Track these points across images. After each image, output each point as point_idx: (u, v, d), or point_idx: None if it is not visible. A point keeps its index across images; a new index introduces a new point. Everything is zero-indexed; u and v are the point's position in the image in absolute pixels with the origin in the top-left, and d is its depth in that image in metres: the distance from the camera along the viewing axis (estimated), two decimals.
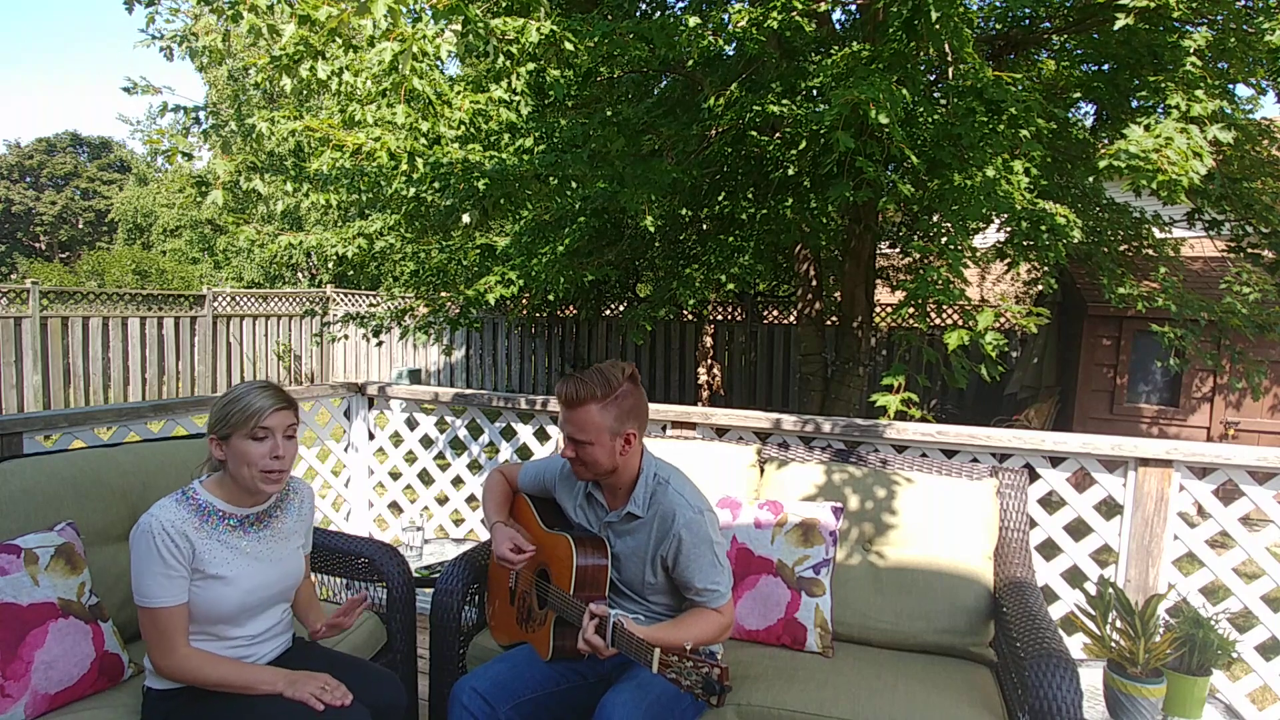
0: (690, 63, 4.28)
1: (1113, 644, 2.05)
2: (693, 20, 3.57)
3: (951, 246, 3.22)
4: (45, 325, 8.82)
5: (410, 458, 3.85)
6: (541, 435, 3.55)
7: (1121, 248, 5.02)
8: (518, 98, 3.64)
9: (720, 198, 5.13)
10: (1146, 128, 3.12)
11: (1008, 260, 5.04)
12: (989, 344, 2.93)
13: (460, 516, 3.87)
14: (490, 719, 1.80)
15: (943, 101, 4.03)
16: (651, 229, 3.90)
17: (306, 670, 1.73)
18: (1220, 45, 3.58)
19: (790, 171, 4.44)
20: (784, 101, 3.88)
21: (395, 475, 3.90)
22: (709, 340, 9.31)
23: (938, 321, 9.15)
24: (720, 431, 3.16)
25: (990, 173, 3.20)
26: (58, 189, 31.53)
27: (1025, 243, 3.97)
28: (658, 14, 4.86)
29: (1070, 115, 4.46)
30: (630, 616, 1.76)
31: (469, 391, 3.62)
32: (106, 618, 1.86)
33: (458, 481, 3.78)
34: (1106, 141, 4.04)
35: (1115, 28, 3.32)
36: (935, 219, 4.11)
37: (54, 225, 30.44)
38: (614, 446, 1.87)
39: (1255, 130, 4.42)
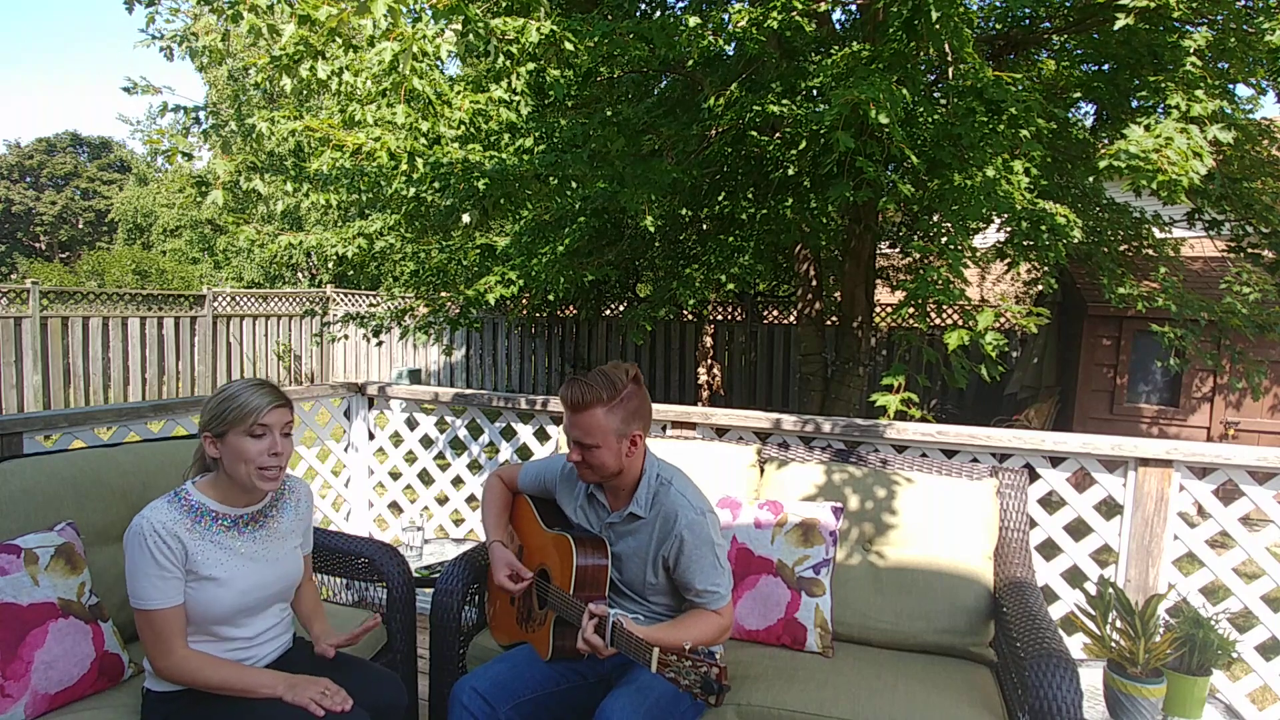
0: (690, 63, 4.28)
1: (1113, 644, 2.05)
2: (693, 20, 3.57)
3: (951, 246, 3.22)
4: (45, 325, 8.82)
5: (410, 458, 3.85)
6: (541, 435, 3.55)
7: (1121, 248, 5.02)
8: (518, 98, 3.64)
9: (720, 198, 5.13)
10: (1146, 128, 3.12)
11: (1008, 260, 5.04)
12: (989, 344, 2.93)
13: (460, 516, 3.87)
14: (490, 719, 1.80)
15: (943, 101, 4.03)
16: (651, 229, 3.90)
17: (307, 671, 1.73)
18: (1220, 45, 3.58)
19: (790, 171, 4.44)
20: (784, 101, 3.88)
21: (395, 475, 3.90)
22: (709, 340, 9.31)
23: (938, 321, 9.16)
24: (720, 431, 3.16)
25: (990, 173, 3.20)
26: (58, 189, 31.53)
27: (1025, 243, 3.97)
28: (658, 14, 4.86)
29: (1070, 115, 4.46)
30: (630, 617, 1.76)
31: (469, 391, 3.62)
32: (106, 618, 1.86)
33: (458, 481, 3.78)
34: (1106, 141, 4.04)
35: (1115, 28, 3.32)
36: (935, 219, 4.12)
37: (54, 225, 30.45)
38: (620, 449, 1.87)
39: (1255, 130, 4.42)
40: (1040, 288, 7.99)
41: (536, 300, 5.61)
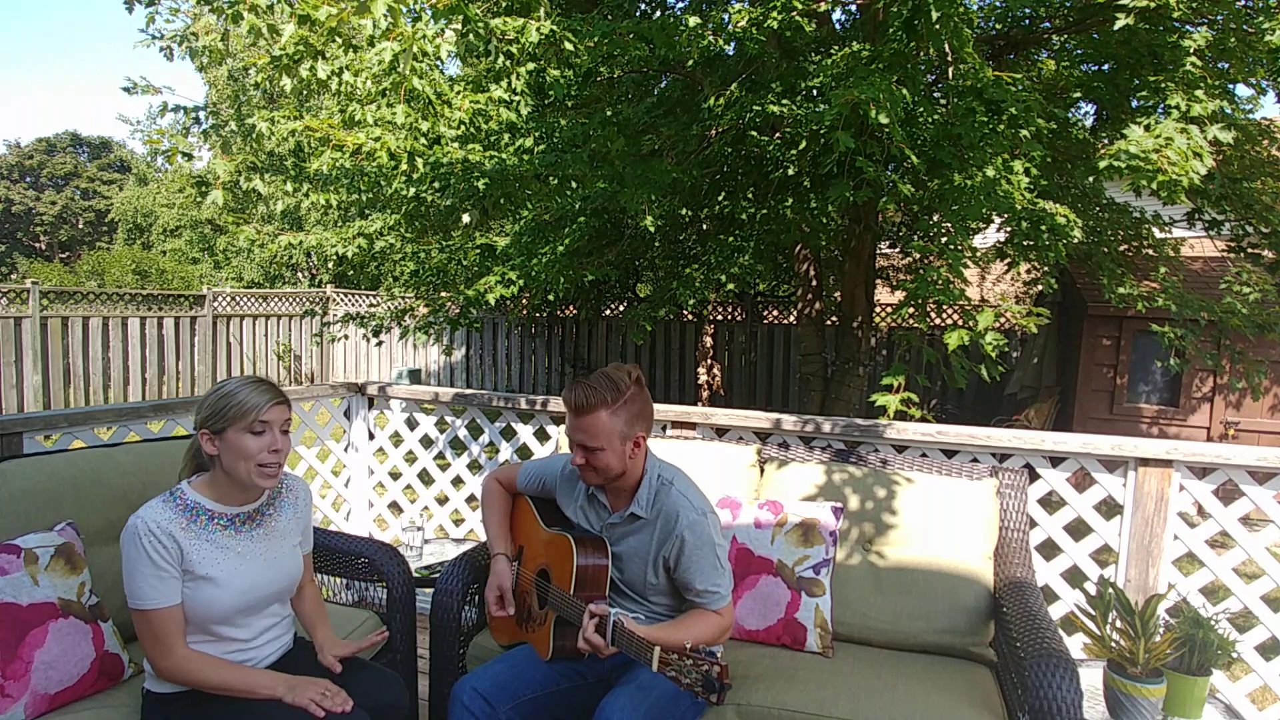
0: (690, 63, 4.28)
1: (1113, 644, 2.05)
2: (693, 20, 3.57)
3: (951, 246, 3.22)
4: (45, 325, 8.82)
5: (410, 458, 3.85)
6: (541, 435, 3.55)
7: (1121, 248, 5.02)
8: (518, 98, 3.64)
9: (720, 198, 5.13)
10: (1146, 128, 3.12)
11: (1008, 260, 5.04)
12: (989, 344, 2.93)
13: (460, 516, 3.87)
14: (491, 718, 1.80)
15: (943, 101, 4.03)
16: (651, 229, 3.90)
17: (308, 672, 1.73)
18: (1220, 45, 3.58)
19: (790, 171, 4.44)
20: (784, 101, 3.88)
21: (395, 475, 3.90)
22: (709, 340, 9.31)
23: (938, 321, 9.15)
24: (720, 431, 3.16)
25: (990, 173, 3.20)
26: (58, 189, 31.53)
27: (1025, 243, 3.97)
28: (658, 14, 4.86)
29: (1070, 115, 4.46)
30: (631, 616, 1.76)
31: (469, 391, 3.62)
32: (106, 618, 1.86)
33: (458, 481, 3.78)
34: (1106, 141, 4.04)
35: (1115, 28, 3.32)
36: (935, 219, 4.11)
37: (54, 225, 30.45)
38: (624, 450, 1.87)
39: (1255, 130, 4.42)
40: (1040, 288, 7.99)
41: (536, 300, 5.61)
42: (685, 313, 9.89)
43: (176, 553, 1.63)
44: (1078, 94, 4.21)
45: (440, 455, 3.79)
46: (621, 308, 10.54)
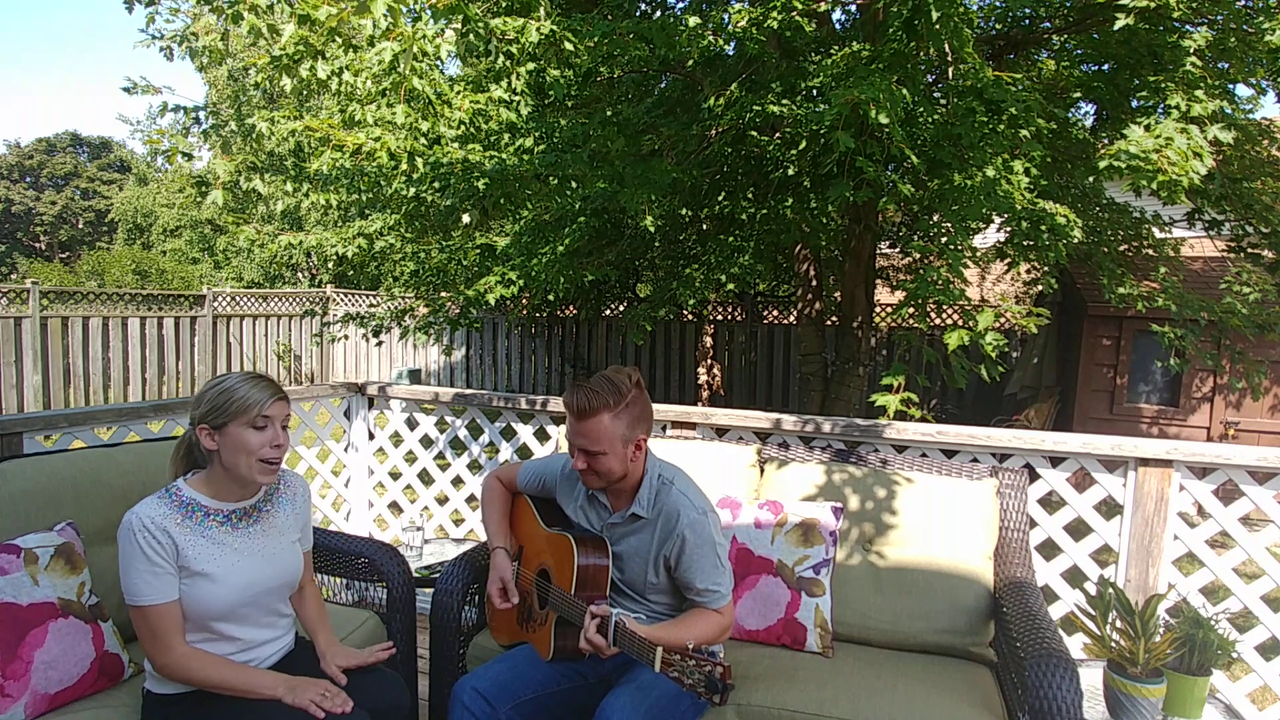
0: (690, 63, 4.28)
1: (1113, 644, 2.05)
2: (693, 20, 3.57)
3: (951, 246, 3.22)
4: (45, 325, 8.82)
5: (410, 458, 3.85)
6: (541, 435, 3.55)
7: (1121, 248, 5.02)
8: (518, 98, 3.64)
9: (720, 198, 5.13)
10: (1146, 128, 3.11)
11: (1008, 260, 5.04)
12: (989, 344, 2.93)
13: (460, 516, 3.87)
14: (491, 718, 1.80)
15: (943, 101, 4.03)
16: (651, 229, 3.90)
17: (309, 672, 1.73)
18: (1220, 45, 3.58)
19: (790, 171, 4.44)
20: (784, 101, 3.88)
21: (395, 475, 3.90)
22: (709, 340, 9.31)
23: (938, 321, 9.15)
24: (720, 431, 3.16)
25: (990, 173, 3.20)
26: (58, 189, 31.53)
27: (1025, 243, 3.97)
28: (658, 14, 4.86)
29: (1070, 115, 4.46)
30: (632, 616, 1.76)
31: (469, 391, 3.62)
32: (106, 617, 1.86)
33: (458, 481, 3.78)
34: (1106, 141, 4.04)
35: (1115, 28, 3.32)
36: (935, 219, 4.11)
37: (54, 225, 30.44)
38: (626, 453, 1.87)
39: (1255, 130, 4.42)
40: (1040, 288, 7.99)
41: (536, 300, 5.61)
42: (685, 313, 9.89)
43: (171, 548, 1.63)
44: (1078, 94, 4.21)
45: (440, 455, 3.79)
46: (621, 308, 10.54)
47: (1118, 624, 2.07)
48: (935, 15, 2.84)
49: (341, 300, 12.40)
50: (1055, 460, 2.78)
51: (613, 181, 4.04)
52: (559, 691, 1.90)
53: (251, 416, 1.68)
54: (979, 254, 5.82)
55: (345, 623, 2.19)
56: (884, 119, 2.85)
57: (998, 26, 4.72)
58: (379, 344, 7.10)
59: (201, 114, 4.75)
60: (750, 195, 5.10)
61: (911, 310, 3.20)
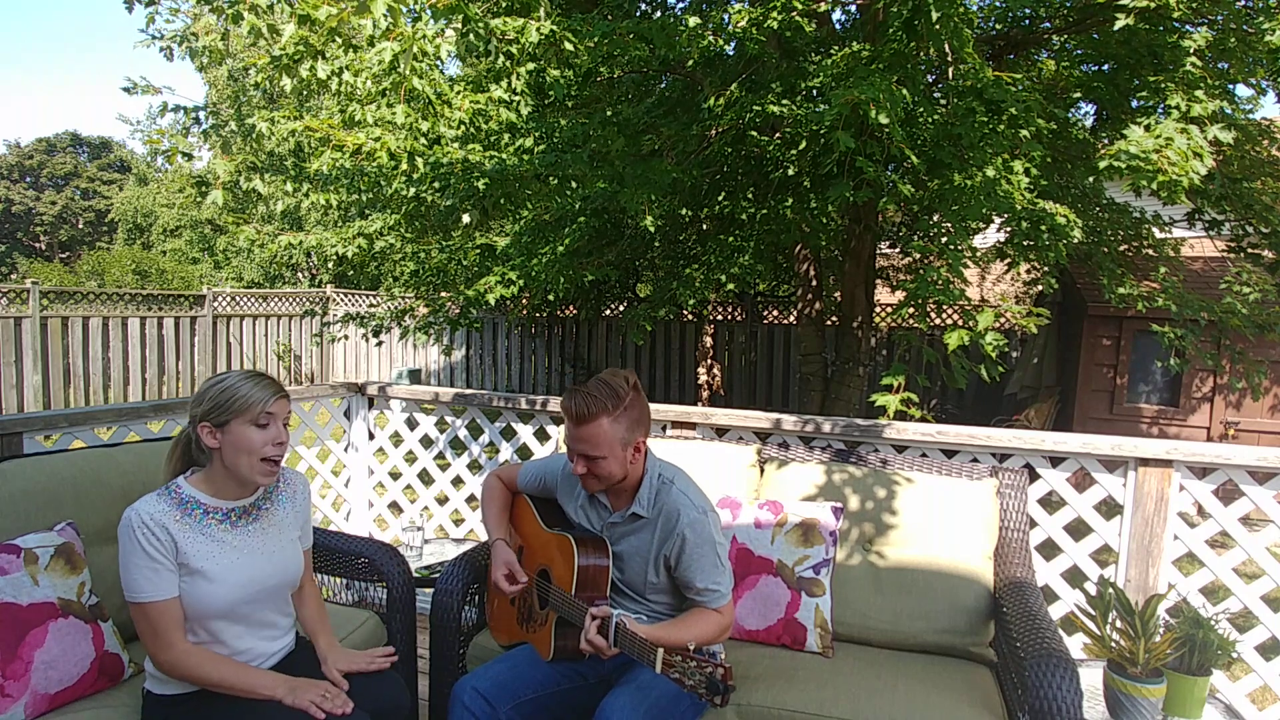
0: (690, 63, 4.28)
1: (1113, 644, 2.05)
2: (693, 20, 3.57)
3: (951, 246, 3.22)
4: (45, 325, 8.82)
5: (410, 458, 3.85)
6: (541, 435, 3.55)
7: (1121, 248, 5.02)
8: (518, 98, 3.64)
9: (720, 198, 5.13)
10: (1146, 128, 3.11)
11: (1008, 260, 5.04)
12: (989, 344, 2.93)
13: (460, 516, 3.87)
14: (491, 718, 1.80)
15: (943, 101, 4.03)
16: (651, 229, 3.90)
17: (309, 673, 1.73)
18: (1220, 45, 3.58)
19: (790, 171, 4.44)
20: (784, 101, 3.88)
21: (395, 475, 3.90)
22: (709, 340, 9.31)
23: (938, 321, 9.15)
24: (720, 431, 3.16)
25: (990, 173, 3.20)
26: (58, 189, 31.53)
27: (1025, 243, 3.97)
28: (658, 14, 4.86)
29: (1070, 115, 4.46)
30: (632, 616, 1.76)
31: (469, 391, 3.62)
32: (106, 617, 1.86)
33: (458, 481, 3.78)
34: (1106, 141, 4.04)
35: (1115, 28, 3.32)
36: (935, 219, 4.12)
37: (54, 225, 30.44)
38: (625, 456, 1.87)
39: (1255, 130, 4.42)
40: (1040, 288, 7.99)
41: (536, 300, 5.62)
42: (685, 313, 9.89)
43: (170, 545, 1.63)
44: (1078, 94, 4.21)
45: (440, 455, 3.79)
46: (621, 308, 10.55)
47: (1118, 624, 2.07)
48: (935, 15, 2.84)
49: (341, 300, 12.40)
50: (1055, 460, 2.78)
51: (613, 181, 4.04)
52: (559, 692, 1.90)
53: (255, 414, 1.68)
54: (979, 254, 5.82)
55: (345, 623, 2.19)
56: (884, 119, 2.85)
57: (998, 26, 4.72)
58: (379, 344, 7.10)
59: (201, 114, 4.75)
60: (750, 195, 5.10)
61: (911, 310, 3.20)
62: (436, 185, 4.15)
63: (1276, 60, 3.41)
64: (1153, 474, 2.62)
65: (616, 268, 5.18)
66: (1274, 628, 2.53)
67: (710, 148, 4.37)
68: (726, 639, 2.05)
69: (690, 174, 4.23)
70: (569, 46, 3.20)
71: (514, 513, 2.26)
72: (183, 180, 18.01)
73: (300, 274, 16.31)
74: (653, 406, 3.04)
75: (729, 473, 2.59)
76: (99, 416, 2.73)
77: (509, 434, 3.65)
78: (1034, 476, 2.76)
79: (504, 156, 4.02)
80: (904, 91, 3.00)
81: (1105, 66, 4.45)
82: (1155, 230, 4.93)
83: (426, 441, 3.81)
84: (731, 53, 4.32)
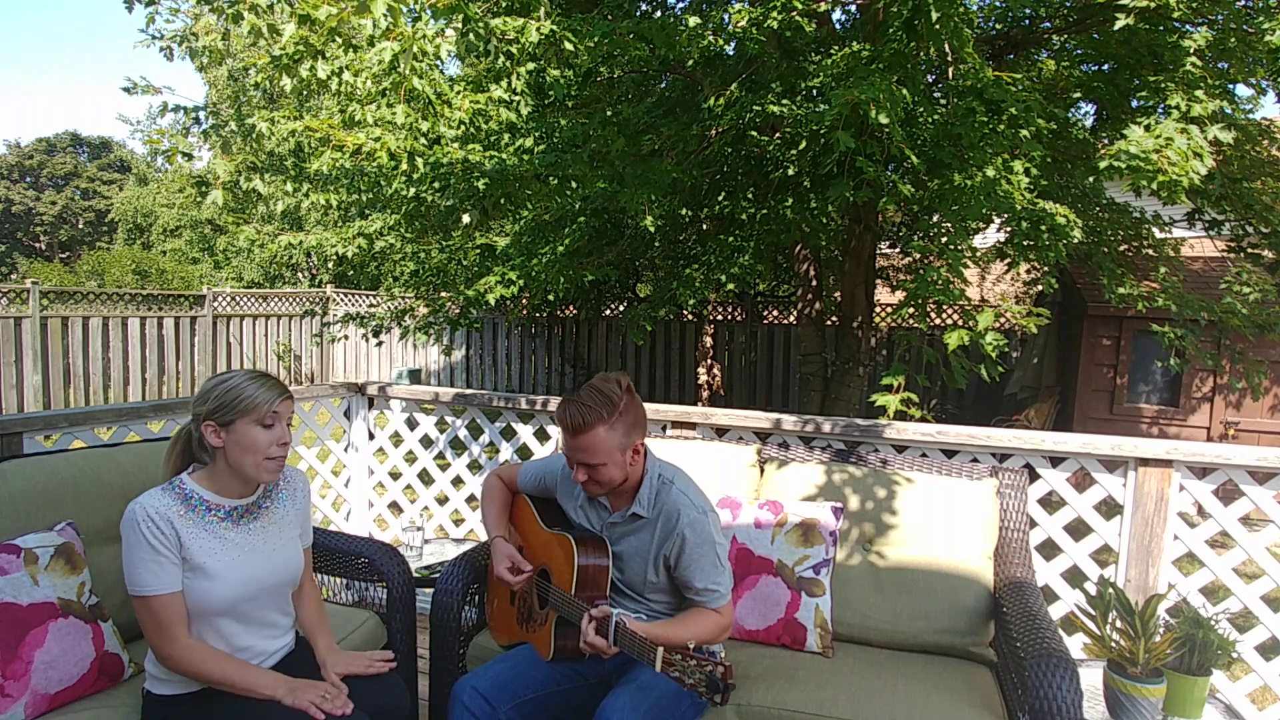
0: (690, 63, 4.28)
1: (1113, 644, 2.05)
2: (693, 20, 3.57)
3: (951, 246, 3.22)
4: (45, 325, 8.82)
5: (410, 458, 3.85)
6: (541, 435, 3.55)
7: (1121, 248, 5.02)
8: (518, 98, 3.64)
9: (720, 198, 5.13)
10: (1147, 128, 3.11)
11: (1008, 260, 5.04)
12: (989, 344, 2.93)
13: (460, 516, 3.87)
14: (491, 718, 1.80)
15: (943, 101, 4.03)
16: (651, 229, 3.90)
17: (309, 673, 1.73)
18: (1220, 45, 3.58)
19: (790, 171, 4.44)
20: (784, 101, 3.88)
21: (395, 475, 3.90)
22: (709, 340, 9.32)
23: (938, 321, 9.16)
24: (720, 431, 3.16)
25: (990, 173, 3.20)
26: (58, 189, 31.53)
27: (1025, 243, 3.97)
28: (658, 14, 4.86)
29: (1070, 115, 4.46)
30: (632, 616, 1.76)
31: (469, 391, 3.62)
32: (106, 618, 1.86)
33: (458, 481, 3.78)
34: (1106, 141, 4.04)
35: (1115, 28, 3.32)
36: (935, 219, 4.11)
37: (54, 225, 30.44)
38: (625, 460, 1.87)
39: (1255, 130, 4.42)
40: (1040, 288, 7.99)
41: (536, 300, 5.62)
42: (685, 313, 9.89)
43: (174, 539, 1.63)
44: (1078, 94, 4.21)
45: (440, 455, 3.79)
46: (621, 308, 10.55)
47: (1118, 624, 2.07)
48: (935, 15, 2.84)
49: (341, 300, 12.40)
50: (1055, 460, 2.78)
51: (613, 181, 4.04)
52: (559, 691, 1.90)
53: (260, 415, 1.68)
54: (979, 254, 5.83)
55: (345, 623, 2.19)
56: (884, 119, 2.85)
57: (998, 26, 4.72)
58: (379, 344, 7.10)
59: (201, 114, 4.76)
60: (750, 195, 5.10)
61: (911, 310, 3.19)
62: (436, 185, 4.15)
63: (1276, 60, 3.41)
64: (1153, 474, 2.62)
65: (616, 268, 5.18)
66: (1274, 628, 2.53)
67: (710, 148, 4.37)
68: (726, 639, 2.05)
69: (690, 174, 4.23)
70: (569, 46, 3.20)
71: (514, 512, 2.26)
72: (183, 180, 18.02)
73: (300, 274, 16.31)
74: (653, 407, 3.06)
75: (729, 473, 2.59)
76: (99, 416, 2.73)
77: (509, 434, 3.65)
78: (1034, 476, 2.76)
79: (504, 156, 4.02)
80: (904, 91, 3.00)
81: (1105, 66, 4.45)
82: (1155, 230, 4.93)
83: (426, 441, 3.81)
84: (731, 53, 4.32)
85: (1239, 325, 4.35)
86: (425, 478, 3.85)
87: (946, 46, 3.16)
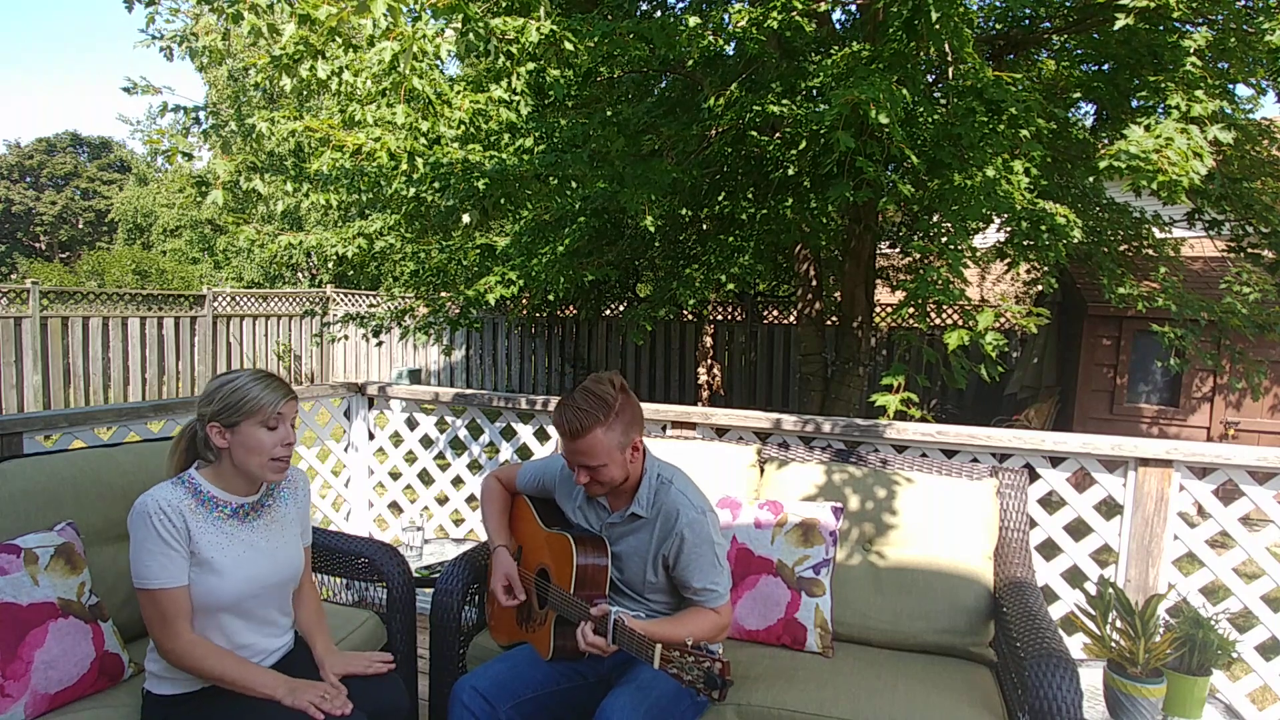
0: (690, 63, 4.28)
1: (1113, 644, 2.05)
2: (693, 20, 3.57)
3: (951, 246, 3.22)
4: (45, 325, 8.82)
5: (410, 458, 3.85)
6: (541, 435, 3.55)
7: (1121, 248, 5.02)
8: (518, 98, 3.64)
9: (720, 198, 5.13)
10: (1147, 128, 3.11)
11: (1008, 260, 5.04)
12: (989, 344, 2.93)
13: (460, 516, 3.87)
14: (491, 718, 1.80)
15: (943, 101, 4.03)
16: (651, 229, 3.90)
17: (308, 673, 1.73)
18: (1220, 45, 3.58)
19: (790, 171, 4.44)
20: (784, 101, 3.88)
21: (395, 475, 3.90)
22: (709, 340, 9.32)
23: (938, 321, 9.16)
24: (720, 431, 3.16)
25: (990, 173, 3.20)
26: (58, 189, 31.53)
27: (1025, 243, 3.97)
28: (658, 14, 4.86)
29: (1070, 115, 4.46)
30: (631, 615, 1.77)
31: (469, 391, 3.62)
32: (106, 617, 1.86)
33: (458, 481, 3.78)
34: (1106, 141, 4.04)
35: (1115, 28, 3.32)
36: (935, 219, 4.11)
37: (54, 225, 30.44)
38: (624, 459, 1.87)
39: (1255, 130, 4.42)
40: (1040, 288, 7.99)
41: (536, 300, 5.62)
42: (685, 313, 9.89)
43: (184, 532, 1.64)
44: (1078, 94, 4.21)
45: (440, 455, 3.79)
46: (621, 308, 10.55)
47: (1118, 624, 2.07)
48: (935, 15, 2.84)
49: (341, 300, 12.40)
50: (1055, 460, 2.78)
51: (613, 181, 4.04)
52: (559, 691, 1.91)
53: (265, 416, 1.69)
54: (979, 254, 5.83)
55: (345, 623, 2.19)
56: (884, 119, 2.85)
57: (998, 26, 4.72)
58: (379, 344, 7.10)
59: (201, 114, 4.76)
60: (750, 195, 5.10)
61: (911, 310, 3.19)
62: (436, 185, 4.15)
63: (1276, 60, 3.41)
64: (1153, 474, 2.62)
65: (616, 268, 5.18)
66: (1274, 628, 2.53)
67: (710, 148, 4.37)
68: (725, 639, 2.05)
69: (690, 174, 4.23)
70: (569, 46, 3.20)
71: (513, 513, 2.26)
72: (183, 180, 18.01)
73: (300, 274, 16.31)
74: (653, 407, 3.06)
75: (729, 473, 2.59)
76: (99, 416, 2.73)
77: (509, 434, 3.65)
78: (1034, 476, 2.76)
79: (504, 156, 4.02)
80: (904, 91, 3.00)
81: (1105, 66, 4.45)
82: (1155, 230, 4.93)
83: (426, 441, 3.81)
84: (731, 53, 4.32)
85: (1239, 325, 4.35)
86: (425, 478, 3.85)
87: (946, 46, 3.16)
